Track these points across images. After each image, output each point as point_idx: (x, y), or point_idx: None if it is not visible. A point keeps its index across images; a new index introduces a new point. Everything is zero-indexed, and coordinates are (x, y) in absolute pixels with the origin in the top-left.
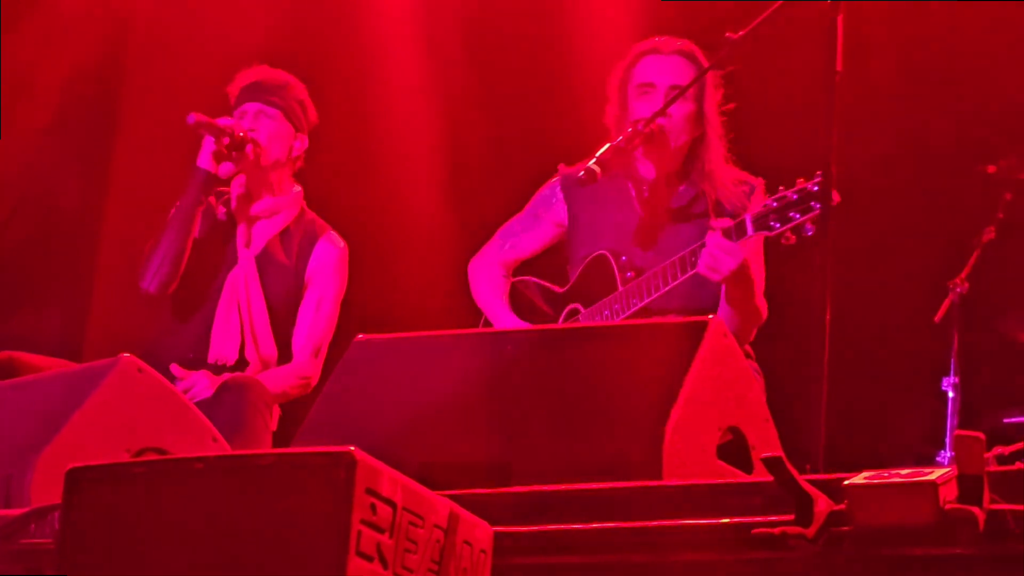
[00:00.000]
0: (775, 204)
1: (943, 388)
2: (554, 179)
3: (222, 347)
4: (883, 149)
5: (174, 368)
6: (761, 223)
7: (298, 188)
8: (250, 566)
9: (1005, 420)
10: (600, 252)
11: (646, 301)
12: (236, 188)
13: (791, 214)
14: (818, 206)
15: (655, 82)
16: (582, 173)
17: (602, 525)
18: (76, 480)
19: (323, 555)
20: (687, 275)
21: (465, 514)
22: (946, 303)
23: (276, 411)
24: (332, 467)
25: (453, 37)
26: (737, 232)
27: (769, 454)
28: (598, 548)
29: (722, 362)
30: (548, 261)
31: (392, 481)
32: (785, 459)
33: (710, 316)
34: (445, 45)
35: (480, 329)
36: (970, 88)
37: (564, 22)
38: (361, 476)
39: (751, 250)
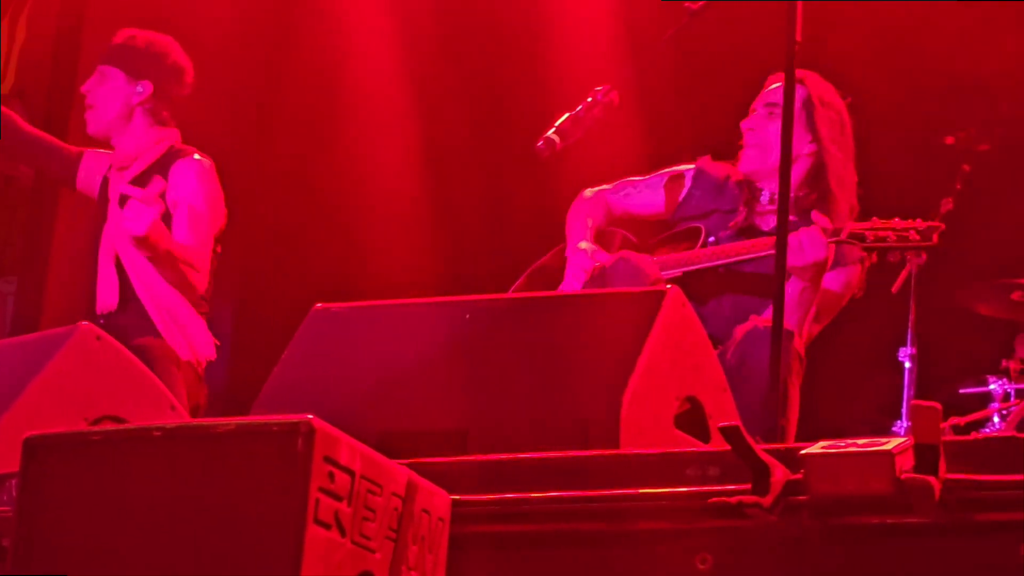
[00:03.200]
0: (879, 224)
1: (900, 359)
2: (692, 165)
3: (104, 297)
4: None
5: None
6: (857, 234)
7: (171, 130)
8: (207, 534)
9: (961, 391)
10: (696, 225)
11: (715, 263)
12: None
13: (886, 235)
14: (917, 239)
15: (755, 107)
16: (540, 143)
17: (559, 493)
18: (33, 448)
19: (281, 523)
20: (764, 253)
21: (423, 482)
22: (903, 274)
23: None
24: (290, 435)
25: (427, 9)
26: (832, 233)
27: (726, 423)
28: (555, 516)
29: (680, 332)
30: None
31: (350, 449)
32: (742, 428)
33: (669, 285)
34: (417, 14)
35: (437, 299)
36: (929, 59)
37: None
38: (319, 444)
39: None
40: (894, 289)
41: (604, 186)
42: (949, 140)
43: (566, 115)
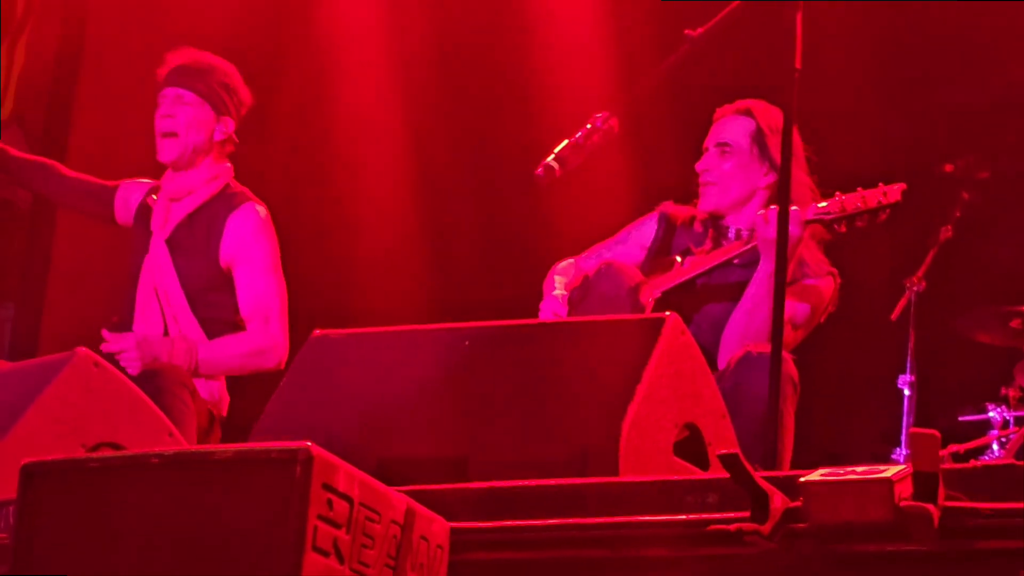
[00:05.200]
0: (842, 196)
1: (899, 386)
2: (654, 212)
3: (144, 329)
4: (841, 147)
5: (104, 332)
6: (823, 210)
7: (227, 165)
8: (205, 561)
9: (960, 418)
10: (670, 258)
11: (695, 273)
12: (166, 178)
13: (851, 206)
14: (883, 199)
15: (707, 145)
16: (540, 170)
17: (559, 521)
18: (31, 475)
19: (279, 550)
20: (741, 250)
21: (422, 510)
22: (903, 301)
23: (226, 398)
24: (289, 463)
25: (419, 30)
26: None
27: (725, 451)
28: (554, 544)
29: (679, 359)
30: None
31: (349, 477)
32: (741, 456)
33: (668, 313)
34: (411, 37)
35: (436, 325)
36: (929, 87)
37: (529, 16)
38: (318, 472)
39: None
40: (893, 316)
41: (576, 257)
42: (949, 167)
43: (565, 141)
